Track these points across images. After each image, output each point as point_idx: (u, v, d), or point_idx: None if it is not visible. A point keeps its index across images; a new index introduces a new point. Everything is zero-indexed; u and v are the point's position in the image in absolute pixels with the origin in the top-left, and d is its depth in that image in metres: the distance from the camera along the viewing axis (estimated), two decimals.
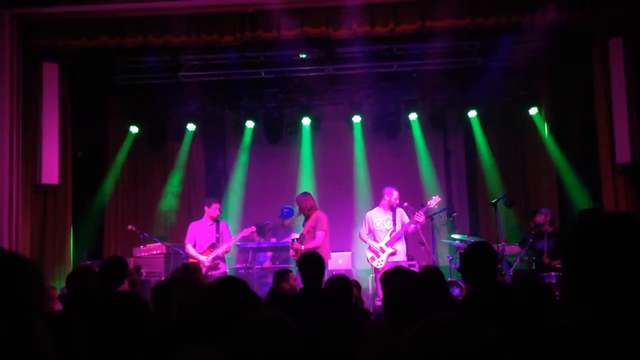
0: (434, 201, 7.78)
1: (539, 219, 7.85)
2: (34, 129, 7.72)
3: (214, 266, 7.69)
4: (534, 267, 7.52)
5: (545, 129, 9.33)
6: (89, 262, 7.70)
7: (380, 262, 7.58)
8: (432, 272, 4.30)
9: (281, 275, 5.60)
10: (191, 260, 7.59)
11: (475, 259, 3.52)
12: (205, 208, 7.95)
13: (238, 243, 8.29)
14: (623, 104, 7.34)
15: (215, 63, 9.14)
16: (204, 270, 7.52)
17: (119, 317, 2.49)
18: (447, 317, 1.44)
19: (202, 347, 2.58)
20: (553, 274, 6.93)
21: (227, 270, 8.05)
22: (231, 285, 3.27)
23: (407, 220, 7.69)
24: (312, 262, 4.63)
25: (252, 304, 2.94)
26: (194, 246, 7.81)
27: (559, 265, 7.10)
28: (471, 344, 1.37)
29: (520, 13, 7.43)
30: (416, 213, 7.59)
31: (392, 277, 3.20)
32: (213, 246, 7.79)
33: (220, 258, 7.86)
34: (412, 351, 1.39)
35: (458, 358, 1.35)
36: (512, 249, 7.94)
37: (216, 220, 7.94)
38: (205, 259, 7.67)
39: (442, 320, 1.43)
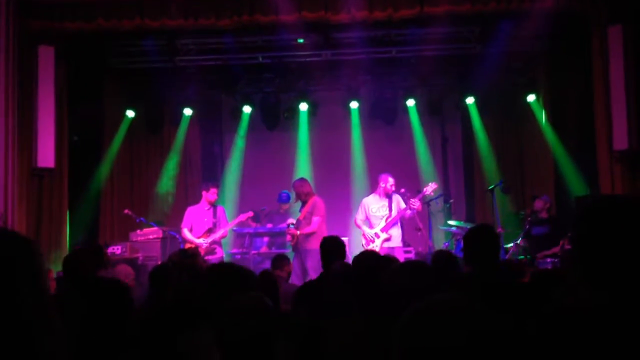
0: (430, 187, 7.77)
1: (538, 205, 7.86)
2: (30, 112, 7.68)
3: (210, 250, 7.69)
4: (529, 256, 7.54)
5: (542, 116, 9.32)
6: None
7: (375, 248, 7.59)
8: (445, 257, 4.30)
9: (279, 261, 5.60)
10: (188, 245, 7.59)
11: (476, 240, 3.52)
12: (203, 192, 7.93)
13: (234, 228, 8.29)
14: (621, 91, 7.33)
15: (212, 47, 9.09)
16: (201, 254, 7.53)
17: (101, 303, 2.49)
18: (447, 300, 1.43)
19: (203, 332, 2.59)
20: (549, 260, 6.96)
21: (224, 255, 8.05)
22: (230, 270, 3.28)
23: (403, 206, 7.69)
24: (335, 246, 4.62)
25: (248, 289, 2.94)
26: (191, 230, 7.82)
27: (554, 252, 7.12)
28: (470, 327, 1.36)
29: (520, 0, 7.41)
30: (412, 199, 7.58)
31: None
32: (210, 231, 7.80)
33: (217, 243, 7.87)
34: (411, 333, 1.38)
35: (461, 341, 1.34)
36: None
37: (213, 205, 7.94)
38: (202, 242, 7.68)
39: (441, 303, 1.42)
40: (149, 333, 2.79)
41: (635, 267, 1.45)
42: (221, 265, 3.53)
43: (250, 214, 8.04)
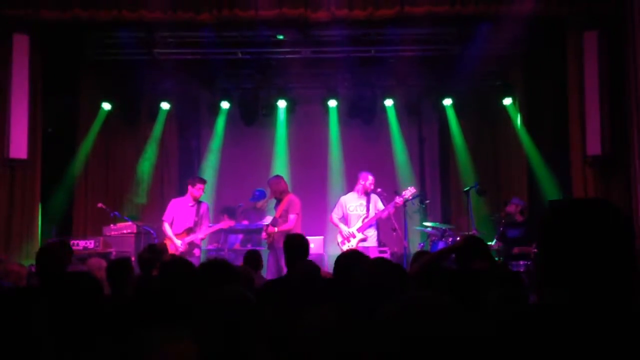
0: (408, 192, 7.78)
1: (510, 208, 7.94)
2: (3, 101, 7.56)
3: (188, 252, 7.57)
4: (502, 258, 7.61)
5: (518, 120, 9.42)
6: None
7: (351, 247, 7.61)
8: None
9: (253, 260, 5.61)
10: (166, 240, 7.52)
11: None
12: (189, 187, 7.83)
13: (210, 224, 8.24)
14: (595, 96, 7.45)
15: (191, 41, 9.00)
16: (177, 253, 7.45)
17: (74, 296, 2.46)
18: (424, 298, 1.45)
19: (163, 328, 2.57)
20: (522, 262, 7.04)
21: (199, 254, 8.00)
22: (190, 265, 3.27)
23: (381, 206, 7.71)
24: (297, 244, 4.71)
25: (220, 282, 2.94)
26: (171, 224, 7.70)
27: (527, 253, 7.21)
28: (448, 327, 1.38)
29: (498, 2, 7.48)
30: (397, 197, 7.61)
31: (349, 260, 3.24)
32: (190, 230, 7.66)
33: (197, 244, 7.75)
34: (390, 330, 1.40)
35: (435, 340, 1.36)
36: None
37: (198, 202, 7.84)
38: (179, 243, 7.56)
39: (419, 301, 1.44)
40: (107, 327, 2.76)
41: (592, 267, 1.48)
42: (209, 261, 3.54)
43: (231, 223, 8.04)
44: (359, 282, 2.87)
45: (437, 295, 1.49)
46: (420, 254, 4.64)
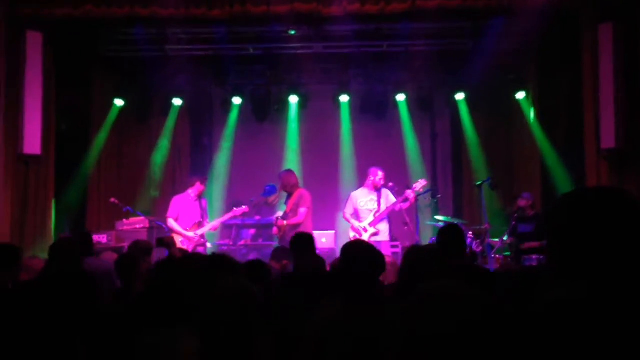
0: (419, 184, 7.75)
1: (521, 203, 7.89)
2: (17, 98, 7.61)
3: (201, 243, 7.73)
4: (514, 252, 7.57)
5: (531, 114, 9.35)
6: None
7: None
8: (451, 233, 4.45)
9: (278, 252, 5.53)
10: (173, 235, 7.57)
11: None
12: (198, 184, 7.92)
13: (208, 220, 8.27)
14: (610, 89, 7.35)
15: (203, 37, 9.03)
16: (191, 247, 7.51)
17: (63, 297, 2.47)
18: (446, 287, 1.44)
19: (168, 326, 2.56)
20: (534, 257, 6.98)
21: (210, 247, 8.05)
22: (215, 257, 3.27)
23: (393, 200, 7.68)
24: (303, 242, 4.81)
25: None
26: (177, 220, 7.80)
27: (539, 248, 7.16)
28: (471, 313, 1.37)
29: None
30: (408, 190, 7.58)
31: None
32: (199, 224, 7.81)
33: (203, 236, 7.87)
34: (415, 317, 1.39)
35: (458, 326, 1.35)
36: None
37: (199, 197, 7.95)
38: (192, 235, 7.69)
39: (441, 289, 1.43)
40: (115, 327, 2.77)
41: (610, 259, 1.44)
42: (212, 255, 3.54)
43: (246, 209, 8.02)
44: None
45: (458, 284, 1.47)
46: (411, 249, 4.66)
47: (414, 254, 3.29)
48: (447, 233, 4.40)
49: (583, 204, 1.51)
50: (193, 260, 3.63)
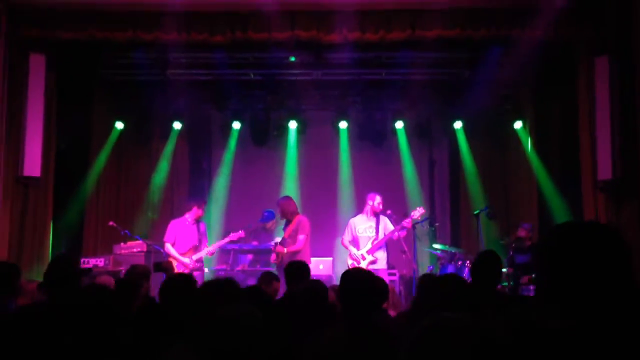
0: (417, 212, 7.77)
1: (521, 233, 7.91)
2: (18, 120, 7.63)
3: (199, 268, 7.70)
4: (512, 283, 7.56)
5: (528, 143, 9.42)
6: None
7: None
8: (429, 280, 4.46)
9: (266, 277, 5.59)
10: (170, 259, 7.55)
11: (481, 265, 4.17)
12: (195, 208, 7.92)
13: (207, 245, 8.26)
14: (606, 121, 7.43)
15: (204, 62, 9.11)
16: (187, 271, 7.48)
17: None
18: (451, 319, 1.46)
19: (169, 348, 2.55)
20: (532, 287, 6.98)
21: (207, 272, 8.03)
22: (219, 283, 3.27)
23: (391, 227, 7.70)
24: (298, 268, 4.84)
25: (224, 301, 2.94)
26: (173, 245, 7.78)
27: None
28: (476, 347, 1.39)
29: (509, 27, 7.52)
30: (405, 220, 7.60)
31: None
32: (196, 248, 7.78)
33: (200, 260, 7.84)
34: (418, 350, 1.41)
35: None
36: None
37: (197, 221, 7.94)
38: (188, 261, 7.66)
39: (446, 321, 1.45)
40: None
41: (598, 289, 1.50)
42: (212, 280, 3.54)
43: (242, 234, 8.01)
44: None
45: (460, 315, 1.49)
46: (425, 277, 4.67)
47: (429, 282, 3.31)
48: (485, 259, 4.40)
49: (571, 236, 1.59)
50: (188, 284, 3.61)
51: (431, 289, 3.18)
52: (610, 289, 1.50)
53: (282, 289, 7.32)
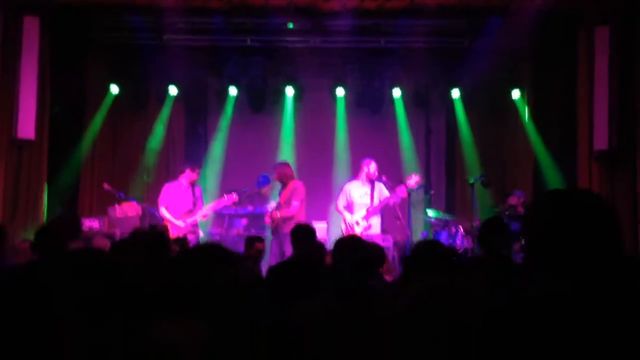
0: (413, 180, 7.78)
1: (512, 200, 7.94)
2: (12, 82, 7.58)
3: (192, 232, 7.71)
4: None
5: (526, 113, 9.40)
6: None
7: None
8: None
9: (248, 242, 5.76)
10: (165, 223, 7.57)
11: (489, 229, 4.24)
12: (188, 171, 7.89)
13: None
14: (604, 91, 7.41)
15: (200, 27, 9.02)
16: (181, 234, 7.51)
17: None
18: (440, 283, 1.48)
19: (171, 316, 2.55)
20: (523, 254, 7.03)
21: (202, 235, 8.06)
22: (215, 248, 3.27)
23: (386, 194, 7.71)
24: (303, 231, 4.86)
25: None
26: (167, 208, 7.79)
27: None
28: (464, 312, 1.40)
29: None
30: (399, 187, 7.61)
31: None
32: (190, 211, 7.80)
33: (195, 224, 7.87)
34: (411, 314, 1.43)
35: (452, 323, 1.38)
36: None
37: (192, 185, 7.93)
38: (182, 224, 7.67)
39: (436, 287, 1.46)
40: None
41: (593, 256, 1.49)
42: (206, 245, 3.52)
43: (235, 198, 8.01)
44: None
45: (453, 280, 1.51)
46: (421, 244, 4.69)
47: (422, 247, 3.34)
48: (490, 225, 4.39)
49: (560, 203, 1.57)
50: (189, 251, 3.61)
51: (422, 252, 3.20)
52: (600, 256, 1.49)
53: (275, 252, 7.43)
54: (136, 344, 2.32)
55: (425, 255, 3.15)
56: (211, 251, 3.26)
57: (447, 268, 3.10)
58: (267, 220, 7.79)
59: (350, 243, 3.25)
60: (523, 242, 1.68)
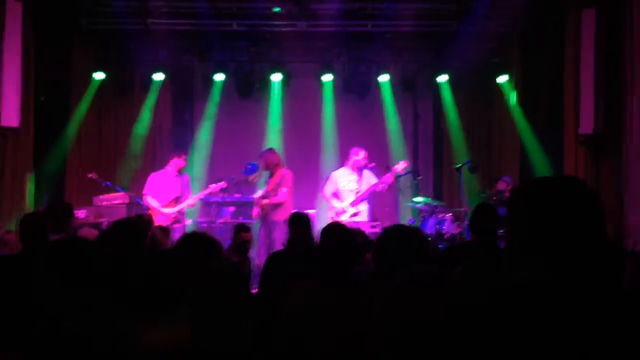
0: (400, 166, 7.79)
1: (501, 186, 7.97)
2: None
3: (177, 220, 7.68)
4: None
5: (513, 97, 9.41)
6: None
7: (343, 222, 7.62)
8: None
9: (236, 230, 5.84)
10: (150, 211, 7.53)
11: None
12: (175, 159, 7.85)
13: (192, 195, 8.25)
14: (590, 75, 7.42)
15: (185, 12, 8.93)
16: (167, 223, 7.48)
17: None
18: (426, 273, 1.47)
19: (159, 312, 2.51)
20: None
21: (188, 224, 8.04)
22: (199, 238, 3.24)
23: (373, 181, 7.71)
24: (299, 218, 4.88)
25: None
26: (154, 197, 7.74)
27: None
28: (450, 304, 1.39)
29: None
30: (386, 174, 7.61)
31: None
32: (177, 200, 7.76)
33: (182, 212, 7.84)
34: (392, 308, 1.42)
35: (448, 312, 1.38)
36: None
37: (179, 173, 7.89)
38: (169, 212, 7.64)
39: (420, 276, 1.45)
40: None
41: (574, 243, 1.49)
42: (191, 234, 3.50)
43: (223, 185, 7.98)
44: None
45: (435, 269, 1.50)
46: (387, 230, 4.72)
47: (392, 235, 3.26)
48: (481, 212, 4.37)
49: (543, 190, 1.58)
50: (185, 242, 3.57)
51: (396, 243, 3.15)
52: (582, 244, 1.49)
53: (263, 239, 7.43)
54: (118, 343, 2.31)
55: (392, 242, 3.07)
56: (192, 244, 3.24)
57: (412, 254, 3.03)
58: (256, 211, 7.77)
59: (334, 230, 3.25)
60: (505, 227, 1.69)
